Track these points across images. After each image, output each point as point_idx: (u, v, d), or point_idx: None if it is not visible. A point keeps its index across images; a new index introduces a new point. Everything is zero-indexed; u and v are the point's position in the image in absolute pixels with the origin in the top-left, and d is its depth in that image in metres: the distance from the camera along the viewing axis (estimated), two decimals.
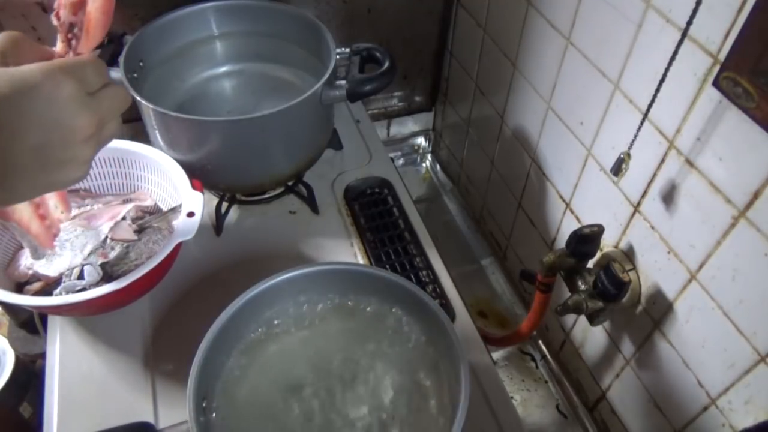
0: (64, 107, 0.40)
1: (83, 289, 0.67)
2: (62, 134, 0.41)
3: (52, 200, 0.60)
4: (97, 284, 0.68)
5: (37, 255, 0.63)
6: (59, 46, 0.54)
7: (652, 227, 0.70)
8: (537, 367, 1.07)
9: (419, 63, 1.23)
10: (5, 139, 0.38)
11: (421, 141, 1.42)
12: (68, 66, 0.41)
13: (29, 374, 0.97)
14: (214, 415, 0.56)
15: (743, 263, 0.58)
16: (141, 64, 0.82)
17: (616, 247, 0.78)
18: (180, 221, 0.69)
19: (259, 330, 0.62)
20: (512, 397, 0.88)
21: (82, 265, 0.70)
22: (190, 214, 0.69)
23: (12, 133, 0.38)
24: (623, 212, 0.75)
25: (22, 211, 0.57)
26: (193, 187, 0.73)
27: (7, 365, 0.93)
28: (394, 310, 0.64)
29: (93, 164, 0.77)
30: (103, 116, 0.43)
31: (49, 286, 0.70)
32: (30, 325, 0.95)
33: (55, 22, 0.55)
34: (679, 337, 0.69)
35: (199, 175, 0.78)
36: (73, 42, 0.54)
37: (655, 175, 0.68)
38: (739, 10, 0.51)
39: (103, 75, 0.45)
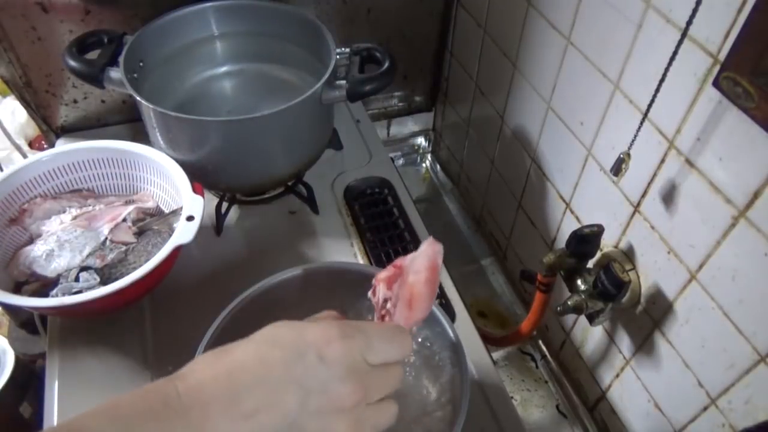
0: (329, 369, 0.37)
1: (79, 292, 0.67)
2: (319, 398, 0.37)
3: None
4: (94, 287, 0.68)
5: None
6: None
7: (652, 227, 0.70)
8: (537, 367, 1.07)
9: (419, 63, 1.23)
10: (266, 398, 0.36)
11: (421, 141, 1.42)
12: (350, 328, 0.38)
13: (29, 374, 0.97)
14: None
15: (743, 263, 0.58)
16: (141, 64, 0.82)
17: (616, 247, 0.78)
18: (179, 225, 0.69)
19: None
20: (512, 397, 0.88)
21: (80, 269, 0.70)
22: (190, 218, 0.68)
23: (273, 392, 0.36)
24: (623, 212, 0.75)
25: None
26: (195, 190, 0.73)
27: (7, 365, 0.93)
28: None
29: (95, 164, 0.79)
30: (369, 392, 0.39)
31: (46, 287, 0.69)
32: (30, 325, 0.95)
33: (372, 299, 0.51)
34: (679, 337, 0.69)
35: (199, 175, 0.78)
36: (386, 318, 0.49)
37: (655, 175, 0.68)
38: (739, 10, 0.51)
39: (395, 350, 0.40)
